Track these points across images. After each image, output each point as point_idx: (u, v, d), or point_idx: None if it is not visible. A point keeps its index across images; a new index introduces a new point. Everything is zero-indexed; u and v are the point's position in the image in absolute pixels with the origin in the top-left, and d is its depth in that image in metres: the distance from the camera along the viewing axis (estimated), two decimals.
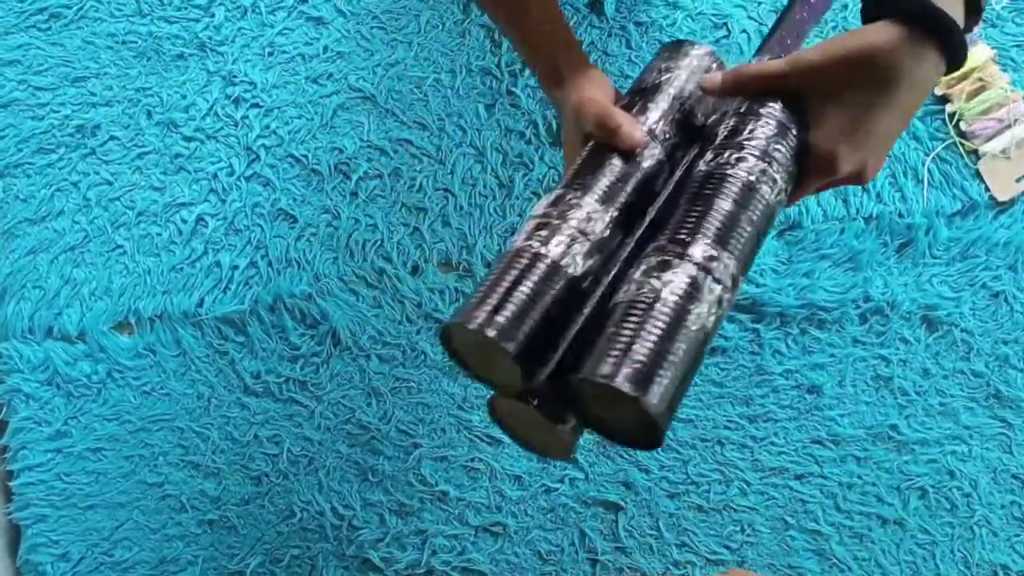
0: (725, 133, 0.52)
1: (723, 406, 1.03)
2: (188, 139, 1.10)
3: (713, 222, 0.46)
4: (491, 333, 0.44)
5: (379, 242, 1.07)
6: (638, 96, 0.57)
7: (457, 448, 1.04)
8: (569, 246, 0.48)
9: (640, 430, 0.44)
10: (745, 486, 1.02)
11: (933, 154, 1.06)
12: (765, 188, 0.48)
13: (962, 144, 1.05)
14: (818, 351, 1.03)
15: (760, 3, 1.10)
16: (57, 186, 1.09)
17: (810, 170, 0.51)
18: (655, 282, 0.44)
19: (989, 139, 1.05)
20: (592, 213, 0.50)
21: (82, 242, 1.08)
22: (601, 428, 0.46)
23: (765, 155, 0.49)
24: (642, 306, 0.43)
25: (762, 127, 0.50)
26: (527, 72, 1.09)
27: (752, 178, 0.48)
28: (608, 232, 0.50)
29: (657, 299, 0.43)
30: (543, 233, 0.49)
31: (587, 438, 1.03)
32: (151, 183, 1.09)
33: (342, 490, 1.04)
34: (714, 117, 0.55)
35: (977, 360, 1.03)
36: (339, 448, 1.04)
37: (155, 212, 1.09)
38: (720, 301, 0.45)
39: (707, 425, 1.03)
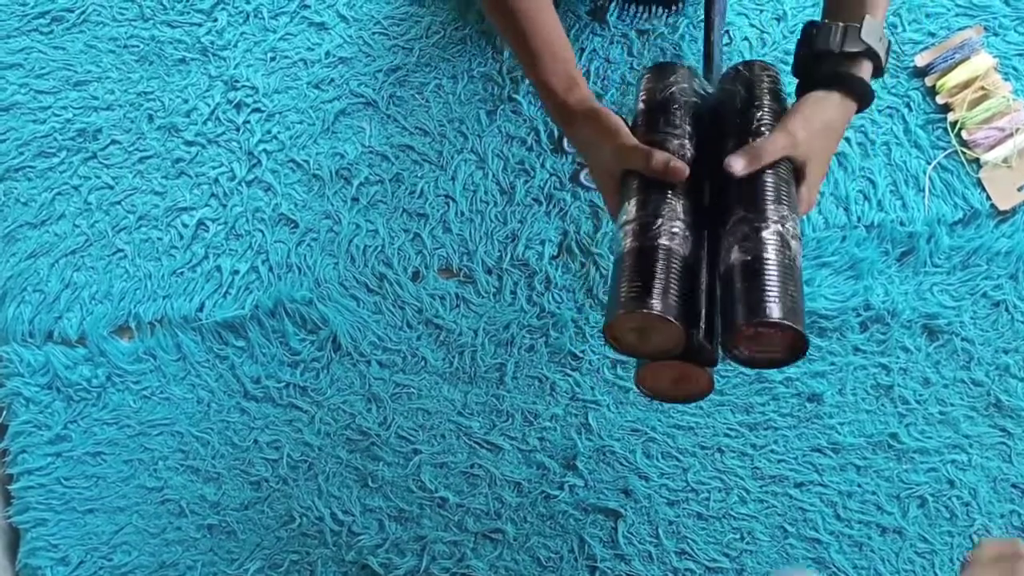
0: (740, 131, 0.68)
1: (723, 414, 1.03)
2: (189, 143, 1.10)
3: (769, 191, 0.62)
4: (658, 311, 0.56)
5: (380, 248, 1.06)
6: (657, 112, 0.70)
7: (457, 454, 1.04)
8: (673, 235, 0.61)
9: (786, 351, 0.58)
10: (745, 494, 1.02)
11: (935, 163, 1.06)
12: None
13: (964, 153, 1.05)
14: (818, 359, 1.03)
15: (761, 11, 1.10)
16: (58, 190, 1.09)
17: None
18: (753, 244, 0.59)
19: (991, 148, 1.04)
20: (675, 205, 0.63)
21: (83, 246, 1.08)
22: (745, 362, 0.60)
23: None
24: (755, 263, 0.58)
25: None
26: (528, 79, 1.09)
27: None
28: (689, 217, 0.63)
29: (762, 255, 0.58)
30: (650, 231, 0.61)
31: (587, 445, 1.03)
32: (152, 187, 1.09)
33: (341, 496, 1.04)
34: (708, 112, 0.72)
35: (977, 369, 1.03)
36: (339, 454, 1.04)
37: (156, 216, 1.09)
38: (795, 236, 0.62)
39: (707, 432, 1.03)
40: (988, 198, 1.04)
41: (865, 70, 0.68)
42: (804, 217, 1.04)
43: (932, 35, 1.09)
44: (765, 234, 0.60)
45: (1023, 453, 1.03)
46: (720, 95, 0.73)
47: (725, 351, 0.60)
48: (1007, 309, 1.04)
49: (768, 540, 1.02)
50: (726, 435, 1.03)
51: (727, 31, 1.09)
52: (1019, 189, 1.04)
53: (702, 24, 1.10)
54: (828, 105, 0.67)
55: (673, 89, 0.70)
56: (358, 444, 1.04)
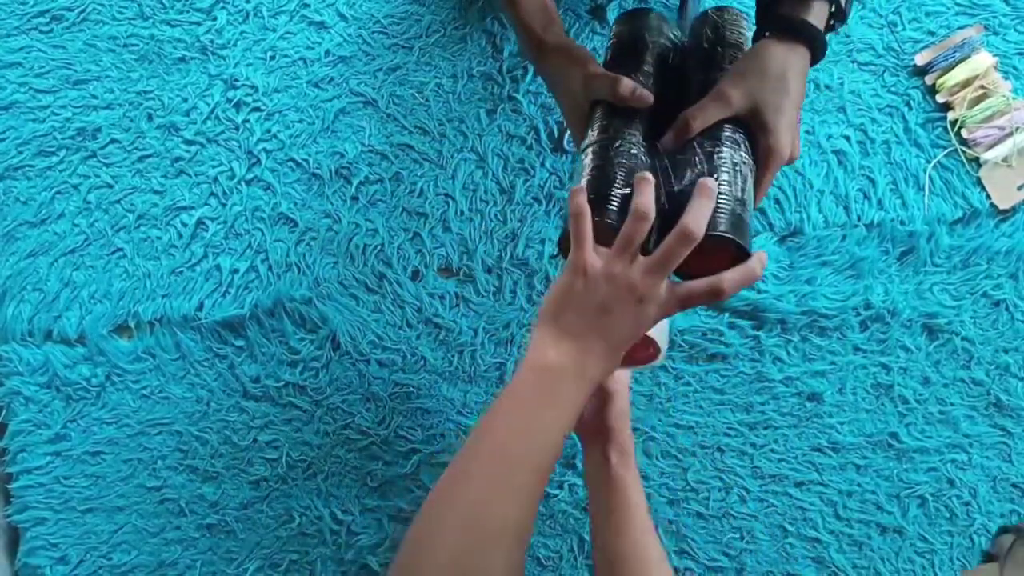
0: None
1: (723, 413, 1.03)
2: (189, 143, 1.10)
3: (727, 130, 0.64)
4: (614, 222, 0.59)
5: (379, 247, 1.06)
6: (625, 53, 0.72)
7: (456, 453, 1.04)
8: (632, 156, 0.63)
9: (727, 265, 0.58)
10: (744, 493, 1.02)
11: (935, 162, 1.05)
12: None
13: (963, 152, 1.05)
14: (819, 358, 1.03)
15: None
16: (57, 189, 1.09)
17: (769, 163, 0.65)
18: (709, 166, 0.61)
19: (990, 147, 1.04)
20: (636, 133, 0.65)
21: (82, 245, 1.08)
22: (685, 275, 0.61)
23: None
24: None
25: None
26: (528, 77, 1.09)
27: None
28: (646, 146, 0.65)
29: (716, 175, 0.60)
30: (611, 150, 0.64)
31: None
32: (151, 186, 1.09)
33: (341, 495, 1.03)
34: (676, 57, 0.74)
35: (977, 368, 1.03)
36: (338, 453, 1.04)
37: (155, 215, 1.09)
38: (750, 171, 0.63)
39: (707, 432, 1.03)
40: (988, 197, 1.04)
41: (817, 13, 0.66)
42: (816, 213, 1.04)
43: (932, 34, 1.09)
44: (718, 160, 0.62)
45: (1023, 453, 1.03)
46: (688, 40, 0.75)
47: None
48: (1007, 308, 1.04)
49: (768, 539, 1.02)
50: (726, 434, 1.03)
51: None
52: (1019, 188, 1.04)
53: None
54: (775, 53, 0.65)
55: (643, 32, 0.73)
56: (357, 443, 1.04)
